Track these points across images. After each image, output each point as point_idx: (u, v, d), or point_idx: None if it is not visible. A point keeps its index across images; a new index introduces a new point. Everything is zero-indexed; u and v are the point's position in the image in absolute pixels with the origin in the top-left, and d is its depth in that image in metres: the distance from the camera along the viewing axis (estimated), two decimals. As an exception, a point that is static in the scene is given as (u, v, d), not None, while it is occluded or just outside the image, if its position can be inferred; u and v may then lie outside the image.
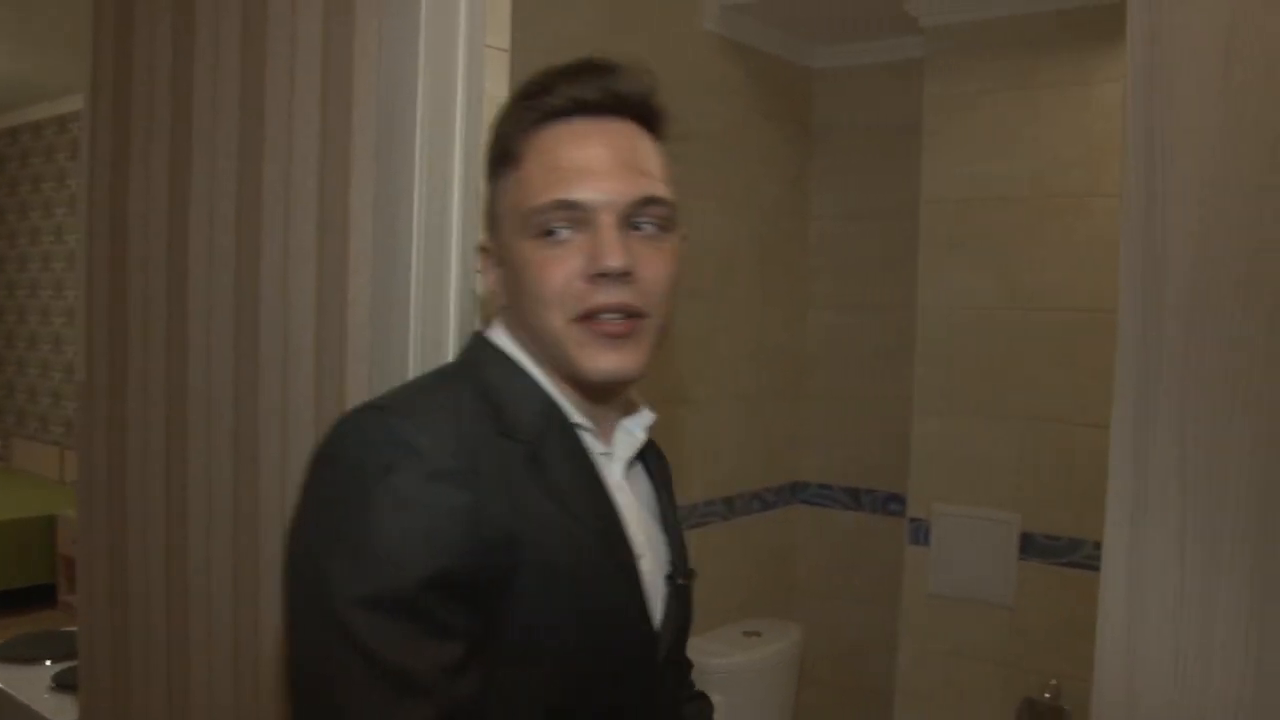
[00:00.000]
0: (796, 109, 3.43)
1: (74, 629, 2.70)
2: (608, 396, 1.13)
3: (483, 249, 1.17)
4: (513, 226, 1.08)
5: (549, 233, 1.05)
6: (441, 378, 1.13)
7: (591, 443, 1.12)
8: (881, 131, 3.38)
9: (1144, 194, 1.03)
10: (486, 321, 1.22)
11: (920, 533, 3.00)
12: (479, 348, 1.14)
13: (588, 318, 1.04)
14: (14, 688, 2.33)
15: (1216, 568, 0.99)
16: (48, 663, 2.45)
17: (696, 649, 2.85)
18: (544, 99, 1.08)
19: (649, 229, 1.07)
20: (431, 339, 1.36)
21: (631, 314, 1.05)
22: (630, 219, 1.06)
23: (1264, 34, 0.97)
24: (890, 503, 3.33)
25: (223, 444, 1.64)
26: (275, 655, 1.56)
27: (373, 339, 1.39)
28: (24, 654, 2.49)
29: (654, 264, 1.06)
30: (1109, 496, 1.06)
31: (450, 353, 1.36)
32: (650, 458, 1.25)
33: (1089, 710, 1.08)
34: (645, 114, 1.13)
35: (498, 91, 1.44)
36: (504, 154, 1.11)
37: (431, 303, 1.35)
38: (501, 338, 1.13)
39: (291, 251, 1.49)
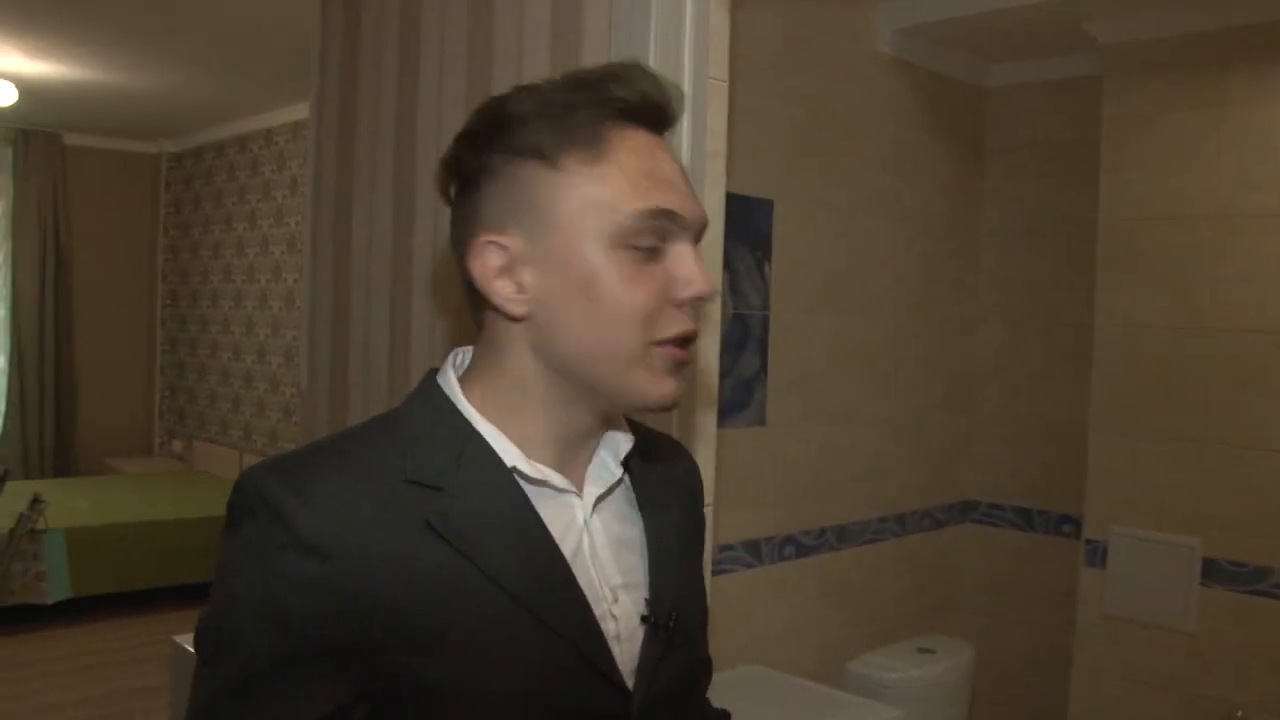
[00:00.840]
0: (967, 128, 3.44)
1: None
2: (607, 426, 1.05)
3: (495, 244, 0.97)
4: (584, 228, 0.94)
5: (644, 245, 0.95)
6: (374, 421, 1.04)
7: (558, 481, 1.01)
8: (1053, 149, 3.37)
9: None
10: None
11: (1096, 554, 2.97)
12: (424, 386, 1.04)
13: (668, 343, 0.97)
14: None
15: None
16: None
17: (870, 663, 2.91)
18: (619, 90, 0.96)
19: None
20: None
21: (692, 341, 1.00)
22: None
23: None
24: (1063, 524, 3.30)
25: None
26: None
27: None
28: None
29: None
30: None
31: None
32: (653, 482, 1.12)
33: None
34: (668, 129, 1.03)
35: (718, 122, 1.51)
36: (578, 138, 0.95)
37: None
38: (446, 372, 1.04)
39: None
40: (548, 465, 1.01)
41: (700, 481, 1.24)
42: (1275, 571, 2.68)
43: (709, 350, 1.50)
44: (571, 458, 1.03)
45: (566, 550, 0.99)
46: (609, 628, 1.00)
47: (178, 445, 7.95)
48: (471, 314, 1.03)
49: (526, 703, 0.94)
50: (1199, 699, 2.79)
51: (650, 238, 0.95)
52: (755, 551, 2.77)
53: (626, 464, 1.07)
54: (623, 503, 1.08)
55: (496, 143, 0.97)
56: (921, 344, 3.30)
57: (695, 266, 0.96)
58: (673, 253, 0.96)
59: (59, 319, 7.68)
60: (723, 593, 2.54)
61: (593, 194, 0.94)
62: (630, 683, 1.00)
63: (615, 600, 1.01)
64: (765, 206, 2.76)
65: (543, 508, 0.99)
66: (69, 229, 7.72)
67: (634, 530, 1.07)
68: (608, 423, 1.05)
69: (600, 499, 1.05)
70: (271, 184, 6.96)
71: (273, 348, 6.88)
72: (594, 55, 1.51)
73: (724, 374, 2.60)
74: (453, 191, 1.02)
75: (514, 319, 0.97)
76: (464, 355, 1.06)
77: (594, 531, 1.03)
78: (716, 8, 1.52)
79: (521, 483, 0.99)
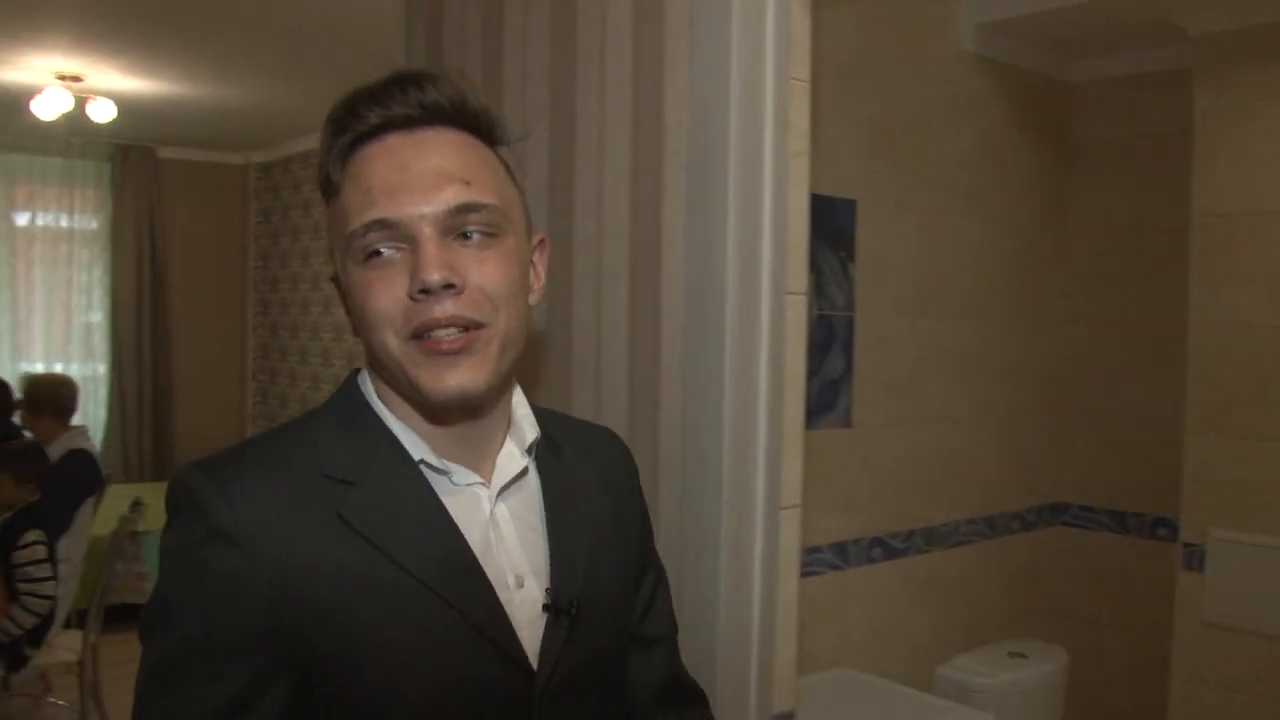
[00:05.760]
0: (1054, 124, 3.38)
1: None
2: (463, 418, 1.08)
3: (334, 280, 1.10)
4: (342, 254, 1.04)
5: (374, 254, 1.01)
6: (298, 419, 1.11)
7: (458, 475, 1.07)
8: (1142, 144, 3.29)
9: None
10: None
11: (1195, 558, 2.90)
12: (344, 385, 1.12)
13: (420, 336, 1.01)
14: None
15: None
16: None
17: (961, 667, 2.87)
18: (353, 123, 1.04)
19: (477, 237, 1.03)
20: (745, 351, 1.44)
21: (467, 326, 1.01)
22: (456, 229, 1.02)
23: None
24: (1158, 527, 3.22)
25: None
26: None
27: (684, 357, 1.49)
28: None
29: (484, 272, 1.02)
30: None
31: (762, 371, 1.44)
32: (565, 472, 1.18)
33: None
34: (466, 120, 1.08)
35: (800, 122, 1.51)
36: (325, 186, 1.07)
37: (746, 323, 1.44)
38: (366, 381, 1.11)
39: (605, 273, 1.61)
40: (454, 460, 1.08)
41: (635, 470, 1.31)
42: (1384, 575, 2.60)
43: (795, 351, 1.50)
44: (476, 451, 1.10)
45: (474, 539, 1.05)
46: (514, 613, 1.05)
47: (270, 451, 8.10)
48: None
49: (437, 685, 1.00)
50: (1305, 708, 2.71)
51: (380, 245, 1.01)
52: (843, 554, 2.75)
53: (541, 455, 1.15)
54: (534, 492, 1.14)
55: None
56: (1010, 344, 3.24)
57: (421, 259, 0.99)
58: (412, 251, 1.01)
59: (155, 327, 7.89)
60: (811, 596, 2.52)
61: (336, 227, 1.05)
62: (535, 665, 1.06)
63: (520, 586, 1.07)
64: (848, 206, 2.74)
65: (450, 499, 1.06)
66: (164, 239, 7.94)
67: (539, 517, 1.14)
68: (469, 415, 1.08)
69: (506, 488, 1.11)
70: (358, 192, 7.05)
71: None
72: (675, 59, 1.52)
73: (810, 375, 2.59)
74: None
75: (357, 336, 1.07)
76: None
77: (500, 520, 1.09)
78: (798, 7, 1.52)
79: (431, 476, 1.06)
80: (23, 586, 3.65)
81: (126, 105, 6.19)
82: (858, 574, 2.80)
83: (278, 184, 8.17)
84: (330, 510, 1.00)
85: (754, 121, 1.45)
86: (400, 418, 1.07)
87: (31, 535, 3.69)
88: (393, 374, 1.04)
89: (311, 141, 7.58)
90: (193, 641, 0.96)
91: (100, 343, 7.74)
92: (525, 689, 1.05)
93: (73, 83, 5.68)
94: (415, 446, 1.06)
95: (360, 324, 1.04)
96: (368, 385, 1.10)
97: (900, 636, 2.91)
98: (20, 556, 3.66)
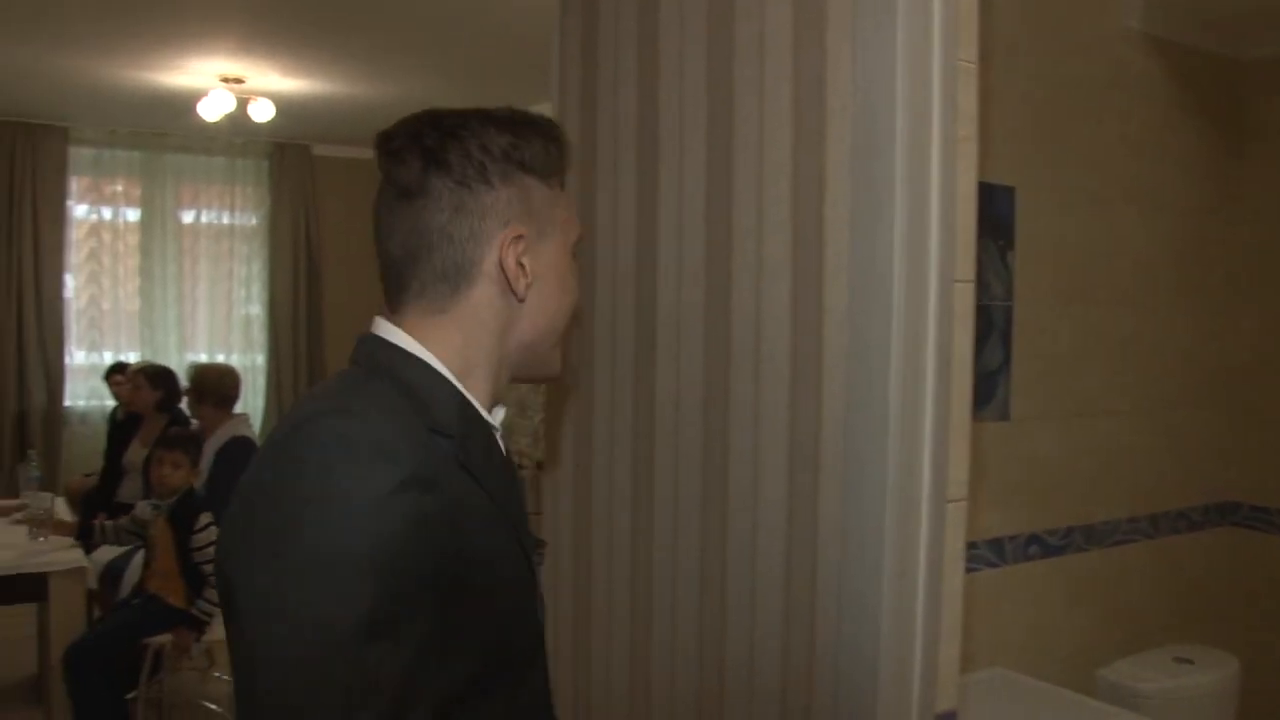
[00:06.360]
0: (1224, 105, 3.22)
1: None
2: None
3: (522, 238, 1.15)
4: (561, 240, 1.19)
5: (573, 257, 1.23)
6: (362, 379, 1.11)
7: (500, 433, 1.20)
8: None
9: None
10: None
11: (1379, 562, 2.74)
12: (382, 348, 1.13)
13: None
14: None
15: None
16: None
17: (1124, 671, 2.77)
18: (565, 149, 1.22)
19: None
20: (912, 340, 1.41)
21: None
22: None
23: None
24: (1340, 528, 3.05)
25: (691, 438, 1.76)
26: (740, 652, 1.66)
27: (848, 347, 1.46)
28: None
29: None
30: None
31: (929, 360, 1.40)
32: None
33: None
34: None
35: (968, 106, 1.47)
36: (561, 172, 1.20)
37: (912, 312, 1.40)
38: (404, 338, 1.13)
39: (765, 263, 1.59)
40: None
41: None
42: None
43: (963, 340, 1.46)
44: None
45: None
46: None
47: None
48: (443, 289, 1.14)
49: (527, 618, 1.16)
50: None
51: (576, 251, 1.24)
52: (999, 550, 2.68)
53: None
54: None
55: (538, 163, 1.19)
56: (1177, 335, 3.11)
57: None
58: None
59: (310, 318, 8.17)
60: (966, 593, 2.46)
61: (564, 213, 1.21)
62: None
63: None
64: (1007, 194, 2.66)
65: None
66: (318, 234, 8.20)
67: None
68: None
69: None
70: (505, 186, 7.17)
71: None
72: (838, 43, 1.49)
73: (965, 367, 2.52)
74: (468, 184, 1.14)
75: (520, 299, 1.16)
76: (386, 328, 1.16)
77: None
78: (966, -13, 1.47)
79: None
80: (207, 569, 3.82)
81: (284, 105, 6.41)
82: (1014, 571, 2.72)
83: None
84: (451, 458, 1.06)
85: (920, 106, 1.41)
86: (461, 383, 1.14)
87: (205, 518, 3.87)
88: (537, 350, 1.20)
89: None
90: (389, 592, 0.93)
91: (259, 334, 8.05)
92: (541, 625, 1.22)
93: (235, 85, 5.91)
94: (480, 405, 1.16)
95: (548, 301, 1.18)
96: (430, 356, 1.13)
97: (1058, 637, 2.82)
98: (199, 540, 3.85)
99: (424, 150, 1.12)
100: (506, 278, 1.14)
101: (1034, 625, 2.76)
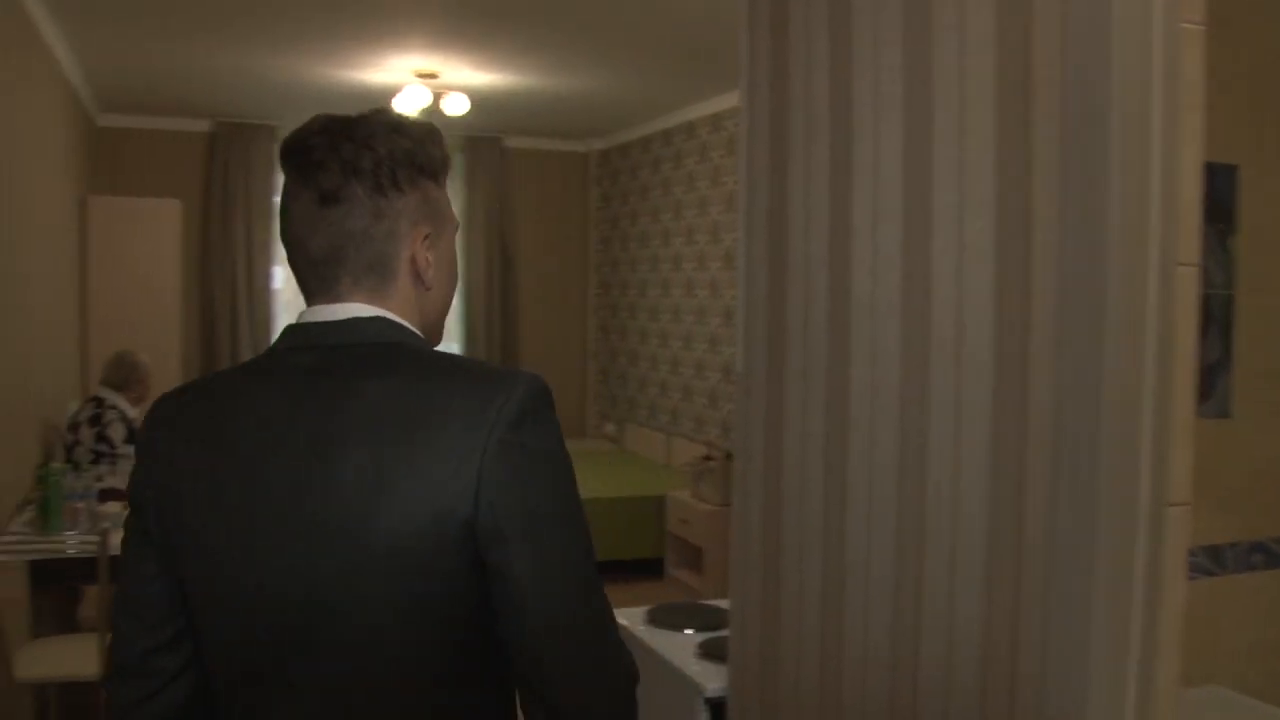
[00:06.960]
0: None
1: (711, 602, 2.95)
2: None
3: (428, 236, 1.31)
4: (450, 233, 1.35)
5: None
6: (446, 355, 1.29)
7: None
8: None
9: None
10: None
11: None
12: (401, 330, 1.27)
13: None
14: (663, 650, 2.56)
15: None
16: (688, 631, 2.67)
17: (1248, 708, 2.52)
18: (447, 152, 1.37)
19: None
20: (1129, 330, 1.30)
21: None
22: None
23: None
24: None
25: (887, 432, 1.68)
26: (937, 653, 1.58)
27: (1057, 337, 1.36)
28: (669, 621, 2.74)
29: None
30: None
31: (1149, 351, 1.29)
32: None
33: None
34: None
35: (1193, 72, 1.35)
36: (446, 171, 1.36)
37: (1130, 298, 1.30)
38: (391, 315, 1.27)
39: (967, 247, 1.50)
40: None
41: None
42: None
43: (1186, 329, 1.34)
44: None
45: None
46: None
47: (611, 428, 8.41)
48: (373, 278, 1.26)
49: None
50: None
51: None
52: (1217, 558, 2.49)
53: None
54: None
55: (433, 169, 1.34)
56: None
57: None
58: None
59: (505, 307, 8.36)
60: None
61: (444, 203, 1.35)
62: None
63: None
64: (1227, 173, 2.46)
65: None
66: (512, 225, 8.37)
67: None
68: None
69: None
70: (694, 175, 7.17)
71: (698, 334, 7.10)
72: (1047, 12, 1.39)
73: (1183, 360, 2.35)
74: (383, 191, 1.26)
75: (428, 287, 1.31)
76: (359, 309, 1.26)
77: None
78: (1192, -59, 1.35)
79: None
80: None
81: (477, 98, 6.55)
82: (1234, 581, 2.52)
83: (616, 169, 8.43)
84: None
85: (1139, 74, 1.30)
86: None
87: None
88: (437, 321, 1.37)
89: (647, 128, 7.83)
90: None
91: (454, 324, 8.27)
92: None
93: (429, 80, 6.07)
94: None
95: (448, 281, 1.36)
96: (403, 321, 1.28)
97: (1284, 654, 2.61)
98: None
99: (342, 161, 1.22)
100: (417, 270, 1.29)
101: (1256, 640, 2.56)
